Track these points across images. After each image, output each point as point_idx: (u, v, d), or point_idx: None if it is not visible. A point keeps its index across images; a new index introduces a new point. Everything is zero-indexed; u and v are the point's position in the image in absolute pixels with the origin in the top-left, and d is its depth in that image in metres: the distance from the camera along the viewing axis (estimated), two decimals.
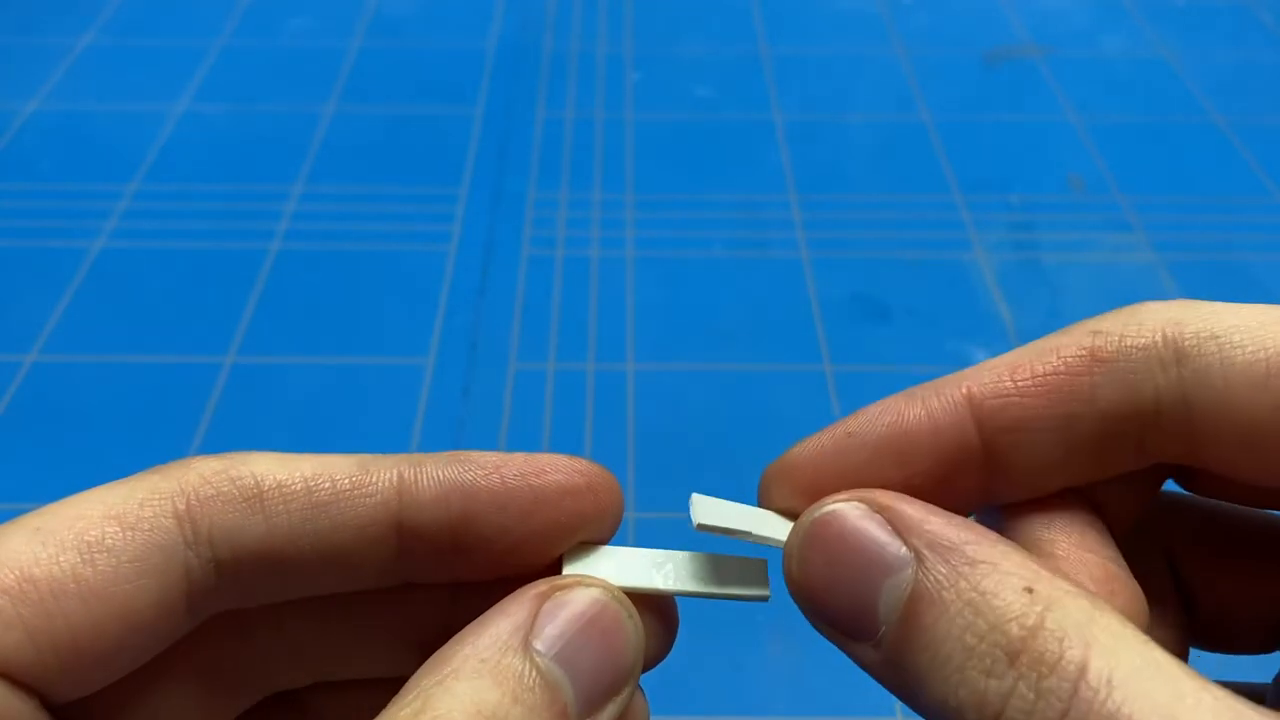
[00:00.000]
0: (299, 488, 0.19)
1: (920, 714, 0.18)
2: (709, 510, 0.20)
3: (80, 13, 0.73)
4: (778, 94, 0.66)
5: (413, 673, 0.18)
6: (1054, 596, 0.16)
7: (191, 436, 0.44)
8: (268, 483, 0.19)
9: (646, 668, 0.20)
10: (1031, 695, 0.16)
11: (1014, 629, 0.16)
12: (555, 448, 0.44)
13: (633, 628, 0.19)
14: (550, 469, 0.20)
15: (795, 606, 0.20)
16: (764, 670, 0.37)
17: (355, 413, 0.46)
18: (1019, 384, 0.19)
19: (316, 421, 0.45)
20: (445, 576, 0.20)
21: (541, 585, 0.19)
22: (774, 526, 0.20)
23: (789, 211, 0.57)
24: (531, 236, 0.55)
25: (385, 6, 0.74)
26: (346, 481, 0.19)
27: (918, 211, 0.57)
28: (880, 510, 0.18)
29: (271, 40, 0.70)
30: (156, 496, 0.18)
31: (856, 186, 0.59)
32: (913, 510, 0.18)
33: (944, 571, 0.17)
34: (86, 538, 0.18)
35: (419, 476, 0.19)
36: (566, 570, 0.20)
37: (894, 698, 0.29)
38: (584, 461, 0.20)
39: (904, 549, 0.18)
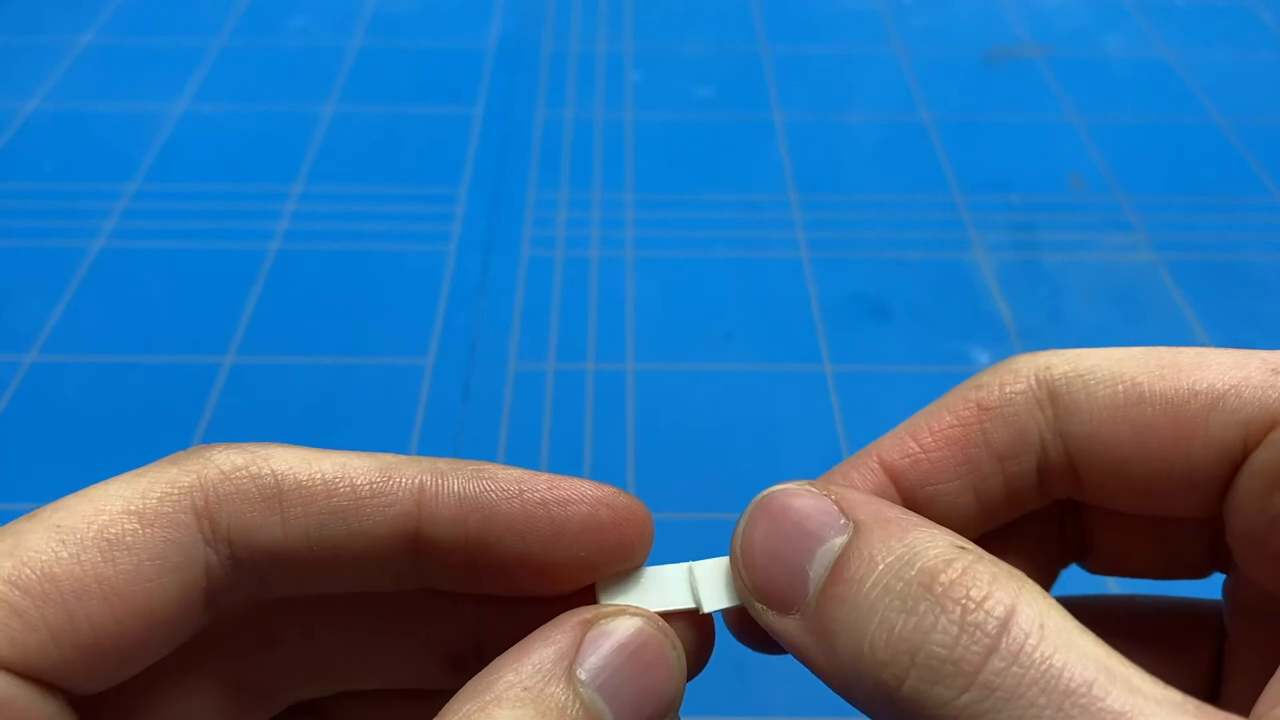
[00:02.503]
0: (319, 490, 0.18)
1: (838, 690, 0.17)
2: (710, 586, 0.20)
3: (80, 13, 0.73)
4: (778, 94, 0.66)
5: (437, 684, 0.18)
6: (986, 556, 0.16)
7: (191, 436, 0.44)
8: (288, 483, 0.18)
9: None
10: (954, 630, 0.15)
11: (939, 567, 0.16)
12: (555, 448, 0.44)
13: (675, 658, 0.19)
14: (575, 499, 0.19)
15: None
16: (764, 670, 0.37)
17: (355, 413, 0.46)
18: (921, 443, 0.21)
19: (316, 421, 0.45)
20: (465, 588, 0.20)
21: (585, 613, 0.18)
22: None
23: (789, 211, 0.57)
24: (531, 236, 0.55)
25: (385, 6, 0.74)
26: (367, 488, 0.19)
27: (918, 211, 0.57)
28: (828, 491, 0.19)
29: (271, 40, 0.70)
30: (175, 491, 0.18)
31: (856, 186, 0.59)
32: (859, 494, 0.19)
33: (878, 535, 0.17)
34: (107, 535, 0.18)
35: (440, 490, 0.19)
36: (601, 596, 0.20)
37: None
38: (610, 490, 0.20)
39: (843, 519, 0.18)
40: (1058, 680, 0.15)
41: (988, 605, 0.15)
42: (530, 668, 0.17)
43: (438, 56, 0.69)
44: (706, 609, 0.20)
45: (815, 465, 0.43)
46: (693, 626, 0.20)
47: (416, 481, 0.19)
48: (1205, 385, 0.19)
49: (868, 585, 0.17)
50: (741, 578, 0.19)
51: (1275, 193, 0.59)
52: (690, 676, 0.20)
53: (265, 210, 0.56)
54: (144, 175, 0.59)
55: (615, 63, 0.69)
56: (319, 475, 0.19)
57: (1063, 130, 0.63)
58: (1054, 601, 0.16)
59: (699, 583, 0.20)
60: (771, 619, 0.18)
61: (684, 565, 0.20)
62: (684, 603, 0.20)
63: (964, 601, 0.15)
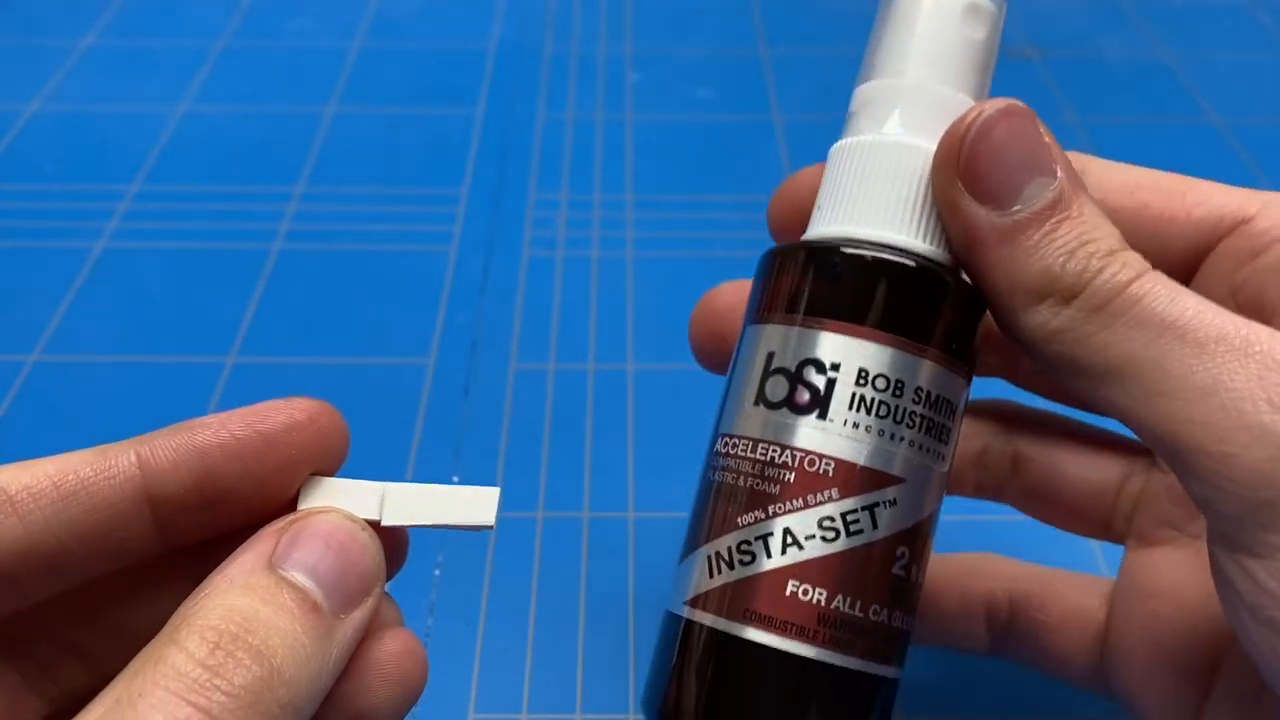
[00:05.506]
0: (45, 485, 0.20)
1: (999, 312, 0.24)
2: (396, 505, 0.23)
3: (82, 14, 0.73)
4: (777, 95, 0.66)
5: None
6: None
7: None
8: (14, 487, 0.20)
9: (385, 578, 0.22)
10: (1099, 270, 0.22)
11: (1109, 249, 0.22)
12: (555, 447, 0.44)
13: (367, 538, 0.22)
14: (271, 413, 0.22)
15: None
16: None
17: (355, 413, 0.46)
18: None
19: None
20: (206, 533, 0.22)
21: (280, 521, 0.21)
22: (460, 510, 0.23)
23: None
24: (532, 237, 0.55)
25: (385, 7, 0.74)
26: (88, 469, 0.21)
27: None
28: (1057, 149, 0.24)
29: (272, 41, 0.71)
30: None
31: None
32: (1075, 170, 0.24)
33: (1085, 203, 0.23)
34: None
35: (154, 449, 0.21)
36: (302, 505, 0.23)
37: (895, 697, 0.29)
38: (304, 399, 0.23)
39: (1055, 165, 0.23)
40: (1188, 327, 0.21)
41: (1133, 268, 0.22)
42: (235, 567, 0.20)
43: (439, 58, 0.69)
44: (385, 523, 0.22)
45: None
46: (384, 532, 0.23)
47: (131, 451, 0.21)
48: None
49: (1053, 238, 0.22)
50: (967, 167, 0.23)
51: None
52: (391, 574, 0.23)
53: (267, 211, 0.56)
54: (146, 176, 0.59)
55: (615, 64, 0.69)
56: (42, 473, 0.20)
57: (1062, 131, 0.63)
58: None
59: (387, 501, 0.23)
60: (969, 202, 0.23)
61: (381, 485, 0.23)
62: (370, 514, 0.23)
63: (1101, 263, 0.22)
